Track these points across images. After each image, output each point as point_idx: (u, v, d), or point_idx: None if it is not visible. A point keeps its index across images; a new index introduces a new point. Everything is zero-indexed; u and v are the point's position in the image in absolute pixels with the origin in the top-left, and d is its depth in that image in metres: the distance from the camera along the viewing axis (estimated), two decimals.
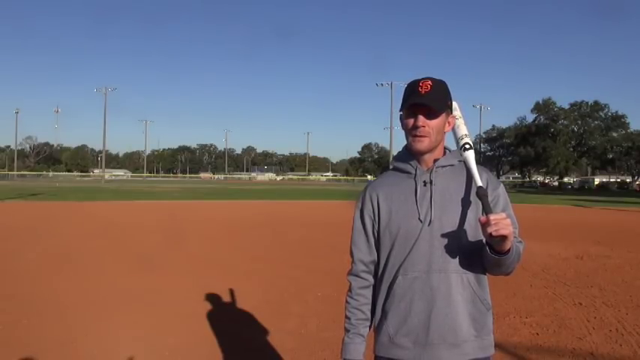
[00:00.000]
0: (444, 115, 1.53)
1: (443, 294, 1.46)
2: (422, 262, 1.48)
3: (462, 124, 1.65)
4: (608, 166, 70.65)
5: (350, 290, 1.63)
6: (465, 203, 1.50)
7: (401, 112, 1.59)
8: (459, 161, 1.56)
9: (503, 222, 1.33)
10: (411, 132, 1.52)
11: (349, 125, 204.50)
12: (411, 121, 1.51)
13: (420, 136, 1.50)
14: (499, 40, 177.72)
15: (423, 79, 1.52)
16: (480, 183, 1.47)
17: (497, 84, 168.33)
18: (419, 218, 1.49)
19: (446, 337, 1.46)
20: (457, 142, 1.62)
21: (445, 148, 1.60)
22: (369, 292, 1.61)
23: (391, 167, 1.65)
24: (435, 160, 1.54)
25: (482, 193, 1.43)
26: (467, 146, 1.57)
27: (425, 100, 1.48)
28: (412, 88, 1.52)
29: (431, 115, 1.50)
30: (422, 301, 1.47)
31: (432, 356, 1.46)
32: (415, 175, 1.55)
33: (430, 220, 1.48)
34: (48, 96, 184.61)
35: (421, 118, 1.49)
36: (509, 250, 1.39)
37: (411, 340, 1.48)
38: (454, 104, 1.64)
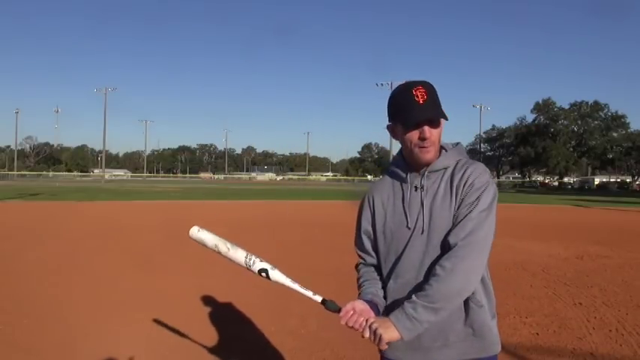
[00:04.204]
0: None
1: None
2: (411, 269, 1.48)
3: (236, 251, 1.65)
4: (608, 166, 70.66)
5: (358, 272, 1.68)
6: (451, 205, 1.46)
7: (389, 123, 1.54)
8: (457, 161, 1.52)
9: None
10: (417, 144, 1.47)
11: (349, 125, 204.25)
12: (415, 135, 1.46)
13: (428, 147, 1.47)
14: (499, 40, 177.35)
15: (413, 85, 1.46)
16: (317, 299, 1.49)
17: (497, 84, 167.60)
18: (407, 226, 1.49)
19: (436, 339, 1.46)
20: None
21: (442, 147, 1.55)
22: (377, 269, 1.64)
23: (387, 172, 1.63)
24: (429, 164, 1.51)
25: (329, 309, 1.46)
26: (263, 274, 1.56)
27: (430, 114, 1.44)
28: (407, 100, 1.45)
29: (434, 124, 1.47)
30: None
31: (425, 358, 1.48)
32: (407, 180, 1.53)
33: (421, 228, 1.47)
34: (48, 96, 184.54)
35: (428, 130, 1.45)
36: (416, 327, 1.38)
37: (403, 342, 1.47)
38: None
